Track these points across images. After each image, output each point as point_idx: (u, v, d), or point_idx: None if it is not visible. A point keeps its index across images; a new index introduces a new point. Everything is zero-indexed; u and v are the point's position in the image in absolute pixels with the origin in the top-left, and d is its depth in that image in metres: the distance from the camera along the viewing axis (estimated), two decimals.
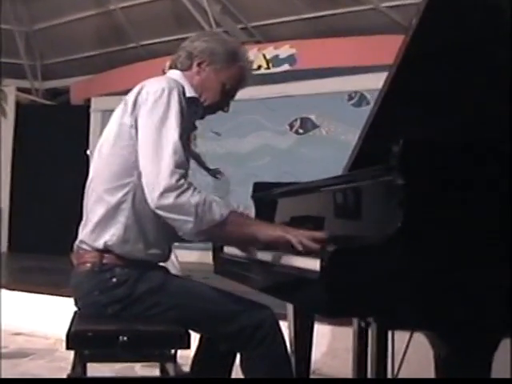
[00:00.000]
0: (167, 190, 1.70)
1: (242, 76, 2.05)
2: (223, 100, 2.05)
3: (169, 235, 1.91)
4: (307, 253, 1.59)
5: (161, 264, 2.01)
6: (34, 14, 9.28)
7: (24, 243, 8.86)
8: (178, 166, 1.73)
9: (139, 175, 1.80)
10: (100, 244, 1.86)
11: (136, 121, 1.83)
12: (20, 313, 4.54)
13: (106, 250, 1.86)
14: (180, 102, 1.82)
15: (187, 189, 1.71)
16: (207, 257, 2.61)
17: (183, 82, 1.95)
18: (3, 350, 3.83)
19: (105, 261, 1.86)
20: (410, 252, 1.30)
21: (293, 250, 1.64)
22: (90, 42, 9.43)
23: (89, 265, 1.87)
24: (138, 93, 1.85)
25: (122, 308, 1.85)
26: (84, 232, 1.92)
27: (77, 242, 1.94)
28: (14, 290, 4.71)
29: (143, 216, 1.84)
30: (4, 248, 9.41)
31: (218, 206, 1.74)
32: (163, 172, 1.71)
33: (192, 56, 2.01)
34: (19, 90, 9.94)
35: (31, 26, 9.59)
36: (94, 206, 1.90)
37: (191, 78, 2.00)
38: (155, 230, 1.88)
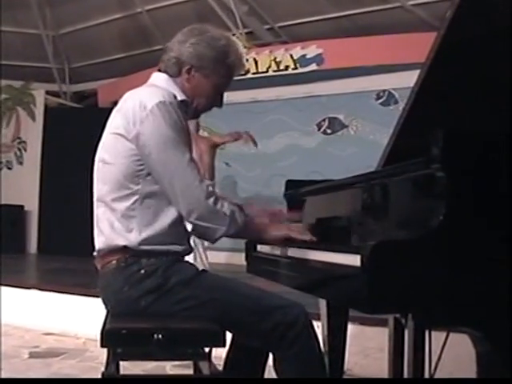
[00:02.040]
0: (205, 196, 1.80)
1: (234, 70, 2.02)
2: (217, 99, 2.05)
3: (186, 230, 1.94)
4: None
5: (191, 261, 2.00)
6: (61, 18, 9.39)
7: (53, 245, 8.96)
8: (201, 175, 1.85)
9: (145, 183, 1.84)
10: (119, 246, 1.86)
11: (138, 136, 1.82)
12: (50, 313, 4.58)
13: (127, 248, 1.85)
14: (177, 113, 1.85)
15: (217, 197, 1.83)
16: (235, 258, 2.60)
17: (172, 87, 1.95)
18: (34, 350, 3.86)
19: (129, 255, 1.85)
20: (452, 246, 1.27)
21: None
22: (117, 45, 9.52)
23: (114, 262, 1.87)
24: (134, 106, 1.84)
25: (155, 299, 1.83)
26: (99, 241, 1.93)
27: (95, 252, 1.95)
28: (44, 290, 4.75)
29: (155, 221, 1.85)
30: (33, 250, 9.52)
31: (238, 213, 1.87)
32: (192, 181, 1.81)
33: (179, 62, 1.97)
34: (48, 93, 10.07)
35: (58, 30, 9.70)
36: (104, 216, 1.90)
37: (181, 85, 1.98)
38: (170, 231, 1.88)
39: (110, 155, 1.89)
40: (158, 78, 2.00)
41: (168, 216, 1.86)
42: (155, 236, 1.85)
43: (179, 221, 1.88)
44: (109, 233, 1.88)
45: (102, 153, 1.94)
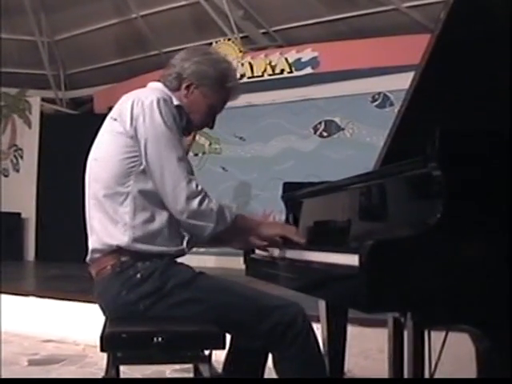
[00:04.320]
0: (190, 197, 1.82)
1: (231, 96, 2.10)
2: (210, 119, 2.11)
3: (179, 231, 1.92)
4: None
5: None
6: (57, 24, 9.38)
7: (51, 251, 8.93)
8: (188, 172, 1.86)
9: (137, 180, 1.86)
10: (113, 246, 1.87)
11: (136, 130, 1.86)
12: (49, 320, 4.56)
13: (120, 249, 1.86)
14: (172, 112, 1.90)
15: (205, 195, 1.85)
16: (234, 262, 2.60)
17: (168, 93, 2.00)
18: (34, 357, 3.85)
19: (123, 259, 1.86)
20: (450, 244, 1.28)
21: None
22: (112, 51, 9.52)
23: (109, 267, 1.88)
24: (132, 104, 1.89)
25: (153, 303, 1.84)
26: (92, 240, 1.94)
27: (89, 254, 1.95)
28: (42, 297, 4.74)
29: (148, 220, 1.87)
30: (31, 257, 9.50)
31: (228, 210, 1.90)
32: (180, 180, 1.83)
33: (181, 78, 2.03)
34: (44, 100, 10.05)
35: (54, 37, 9.70)
36: (97, 213, 1.91)
37: (179, 98, 2.02)
38: (164, 231, 1.89)
39: (105, 153, 1.92)
40: (154, 85, 2.06)
41: (161, 215, 1.88)
42: (148, 235, 1.86)
43: (173, 221, 1.88)
44: (101, 230, 1.89)
45: (95, 152, 1.98)
